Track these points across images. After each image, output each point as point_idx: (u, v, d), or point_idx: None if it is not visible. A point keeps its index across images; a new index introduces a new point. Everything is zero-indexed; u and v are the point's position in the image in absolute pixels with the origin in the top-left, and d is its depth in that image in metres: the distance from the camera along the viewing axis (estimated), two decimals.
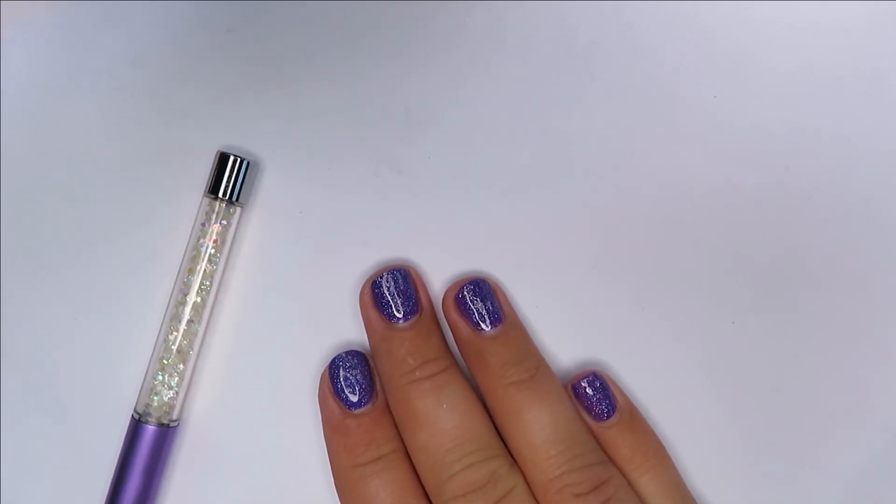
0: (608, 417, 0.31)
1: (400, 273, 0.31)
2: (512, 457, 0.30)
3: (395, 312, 0.31)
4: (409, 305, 0.31)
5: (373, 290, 0.31)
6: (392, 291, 0.31)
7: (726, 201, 0.33)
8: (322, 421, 0.31)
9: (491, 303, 0.31)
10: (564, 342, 0.33)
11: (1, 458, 0.33)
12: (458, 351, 0.31)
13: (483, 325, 0.31)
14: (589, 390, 0.31)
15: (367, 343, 0.32)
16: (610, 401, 0.31)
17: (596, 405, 0.31)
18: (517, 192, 0.33)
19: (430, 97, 0.33)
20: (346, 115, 0.33)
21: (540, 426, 0.29)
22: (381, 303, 0.31)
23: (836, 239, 0.32)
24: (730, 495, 0.32)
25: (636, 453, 0.31)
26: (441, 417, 0.29)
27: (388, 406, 0.31)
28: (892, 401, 0.32)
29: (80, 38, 0.33)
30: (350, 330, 0.33)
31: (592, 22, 0.33)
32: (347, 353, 0.31)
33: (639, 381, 0.32)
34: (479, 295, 0.31)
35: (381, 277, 0.31)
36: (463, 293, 0.31)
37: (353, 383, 0.31)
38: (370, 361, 0.31)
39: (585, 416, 0.31)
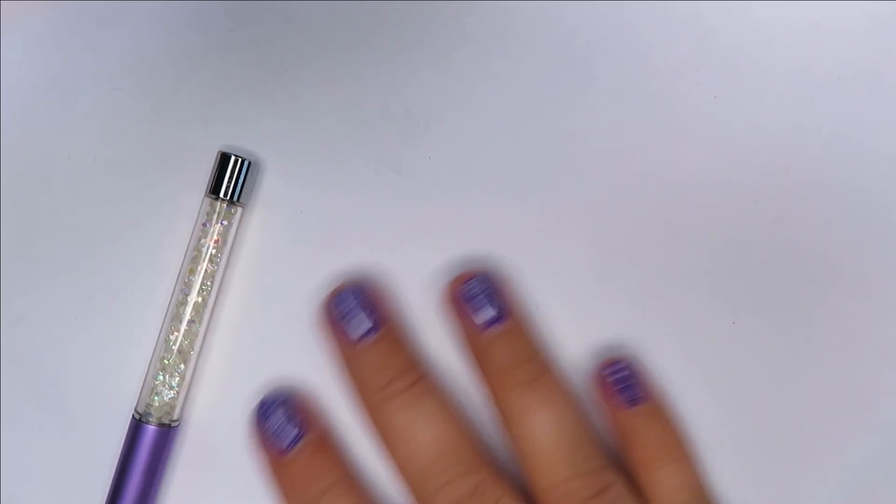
0: (637, 405, 0.30)
1: (357, 288, 0.30)
2: (495, 466, 0.30)
3: (358, 330, 0.30)
4: (371, 321, 0.30)
5: (331, 310, 0.30)
6: (352, 309, 0.30)
7: (726, 201, 0.33)
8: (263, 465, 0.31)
9: (496, 298, 0.30)
10: (564, 342, 0.33)
11: (1, 458, 0.33)
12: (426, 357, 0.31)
13: (488, 323, 0.30)
14: (621, 375, 0.30)
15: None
16: (644, 387, 0.30)
17: (626, 391, 0.30)
18: (517, 192, 0.33)
19: (430, 97, 0.33)
20: (346, 115, 0.33)
21: (545, 430, 0.29)
22: (342, 322, 0.30)
23: (836, 239, 0.32)
24: (730, 495, 0.32)
25: (661, 444, 0.30)
26: (419, 431, 0.29)
27: (323, 437, 0.31)
28: (892, 401, 0.32)
29: (80, 38, 0.33)
30: None
31: (592, 22, 0.33)
32: (265, 399, 0.31)
33: None
34: (483, 289, 0.30)
35: (338, 295, 0.30)
36: (467, 287, 0.30)
37: (281, 426, 0.30)
38: (290, 398, 0.31)
39: (614, 401, 0.30)
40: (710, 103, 0.33)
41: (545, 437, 0.29)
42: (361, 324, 0.30)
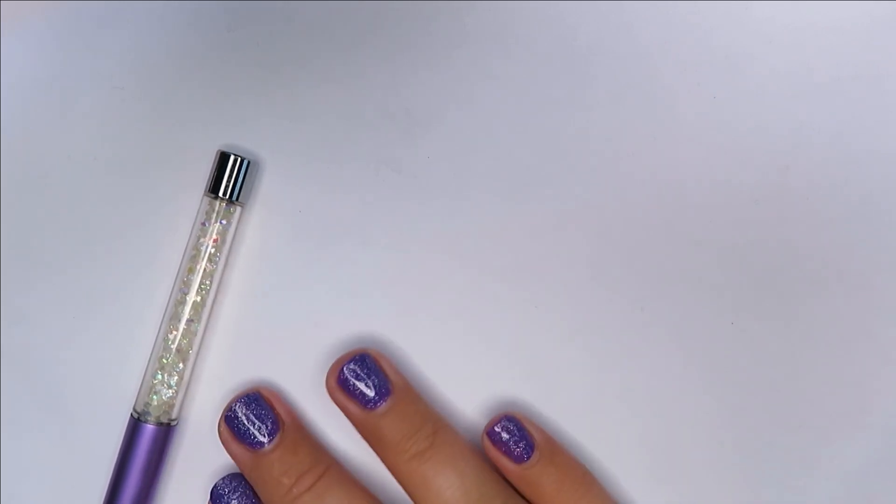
0: (528, 458, 0.30)
1: (250, 398, 0.31)
2: None
3: (258, 438, 0.30)
4: (267, 426, 0.30)
5: (228, 425, 0.31)
6: (248, 419, 0.31)
7: (726, 201, 0.33)
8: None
9: (376, 376, 0.30)
10: (564, 343, 0.33)
11: (1, 457, 0.33)
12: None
13: (372, 403, 0.30)
14: (504, 434, 0.30)
15: (369, 340, 0.33)
16: (527, 441, 0.30)
17: (514, 447, 0.30)
18: (517, 192, 0.33)
19: (430, 97, 0.33)
20: (346, 115, 0.33)
21: (449, 493, 0.29)
22: (241, 434, 0.30)
23: (836, 239, 0.32)
24: (729, 495, 0.32)
25: (563, 486, 0.30)
26: None
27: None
28: (892, 401, 0.32)
29: (80, 38, 0.33)
30: (350, 329, 0.33)
31: (592, 22, 0.33)
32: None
33: (638, 381, 0.32)
34: (362, 371, 0.30)
35: (232, 410, 0.31)
36: (345, 373, 0.30)
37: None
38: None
39: (505, 462, 0.30)
40: (710, 103, 0.33)
41: (452, 500, 0.29)
42: (259, 431, 0.30)
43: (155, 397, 0.31)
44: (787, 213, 0.33)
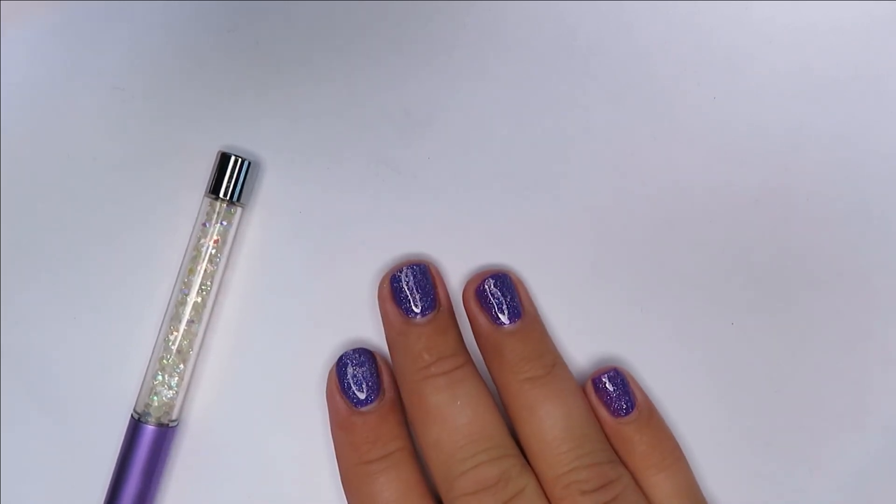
0: (627, 414, 0.31)
1: (419, 268, 0.31)
2: (524, 457, 0.30)
3: (413, 307, 0.31)
4: (427, 300, 0.31)
5: (391, 284, 0.31)
6: (411, 286, 0.31)
7: (726, 201, 0.33)
8: (329, 418, 0.31)
9: (512, 297, 0.31)
10: (563, 342, 0.33)
11: (1, 458, 0.33)
12: (475, 346, 0.32)
13: (502, 319, 0.31)
14: (609, 385, 0.31)
15: (370, 341, 0.32)
16: (629, 397, 0.31)
17: (615, 401, 0.31)
18: (517, 192, 0.33)
19: (429, 97, 0.33)
20: (345, 115, 0.33)
21: (552, 423, 0.30)
22: (400, 297, 0.31)
23: (836, 239, 0.32)
24: (729, 495, 0.32)
25: (653, 451, 0.30)
26: (454, 413, 0.29)
27: (395, 404, 0.31)
28: (892, 401, 0.32)
29: (80, 38, 0.33)
30: (350, 330, 0.33)
31: (592, 22, 0.33)
32: (355, 350, 0.31)
33: (639, 381, 0.32)
34: (500, 288, 0.31)
35: (401, 272, 0.31)
36: (484, 286, 0.31)
37: (360, 381, 0.31)
38: (377, 359, 0.31)
39: (604, 412, 0.31)
40: (710, 103, 0.33)
41: (553, 430, 0.30)
42: (418, 302, 0.31)
43: (155, 398, 0.31)
44: (787, 213, 0.33)
